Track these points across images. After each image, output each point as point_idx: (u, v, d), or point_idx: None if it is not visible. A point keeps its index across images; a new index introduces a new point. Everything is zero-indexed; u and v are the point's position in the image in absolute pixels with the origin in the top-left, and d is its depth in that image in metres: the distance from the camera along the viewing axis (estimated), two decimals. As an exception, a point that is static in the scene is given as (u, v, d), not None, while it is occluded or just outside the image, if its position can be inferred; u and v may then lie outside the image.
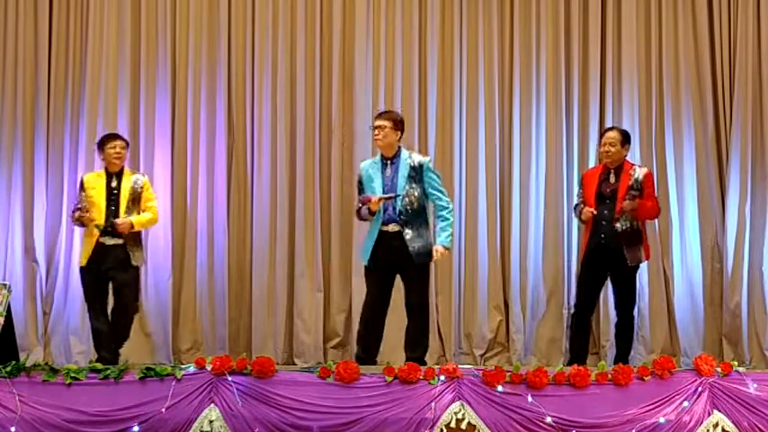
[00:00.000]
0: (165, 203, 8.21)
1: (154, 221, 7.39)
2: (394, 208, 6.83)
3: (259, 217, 8.57)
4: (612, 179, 7.26)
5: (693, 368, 6.38)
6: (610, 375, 6.26)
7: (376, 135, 6.93)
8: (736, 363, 6.56)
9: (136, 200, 7.20)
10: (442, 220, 6.91)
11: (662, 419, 6.12)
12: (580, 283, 7.47)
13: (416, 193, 6.87)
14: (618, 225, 7.12)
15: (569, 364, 6.95)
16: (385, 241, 6.84)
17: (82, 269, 7.19)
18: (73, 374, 6.19)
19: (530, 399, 6.12)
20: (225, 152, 8.62)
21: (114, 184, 7.19)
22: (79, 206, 7.16)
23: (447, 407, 6.08)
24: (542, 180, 8.62)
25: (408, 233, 6.81)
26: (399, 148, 6.99)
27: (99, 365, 6.37)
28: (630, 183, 7.18)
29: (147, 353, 8.31)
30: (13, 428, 6.00)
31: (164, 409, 6.00)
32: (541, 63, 8.69)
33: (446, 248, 6.90)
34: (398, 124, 6.95)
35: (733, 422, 6.15)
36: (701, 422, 6.15)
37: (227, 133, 8.64)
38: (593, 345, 8.06)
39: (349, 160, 8.58)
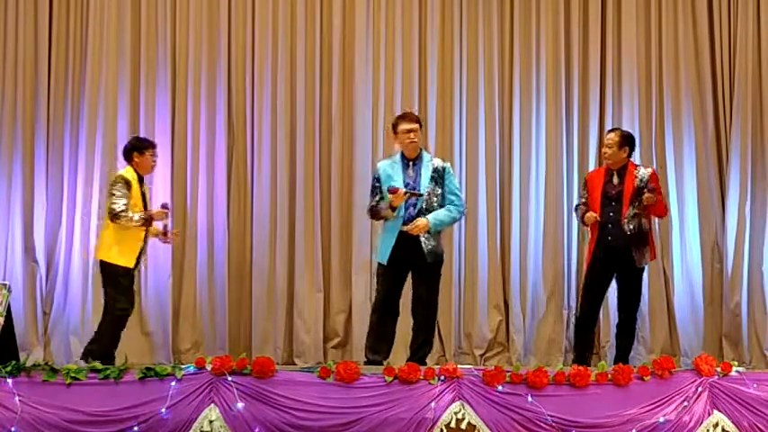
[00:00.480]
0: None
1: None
2: (414, 205, 6.86)
3: (259, 217, 8.57)
4: (616, 180, 7.26)
5: (693, 368, 6.37)
6: (610, 375, 6.25)
7: (412, 138, 6.93)
8: (736, 363, 6.56)
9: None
10: (449, 211, 6.94)
11: (662, 419, 6.11)
12: (587, 286, 7.44)
13: (437, 195, 6.92)
14: (626, 227, 7.14)
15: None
16: (403, 241, 6.86)
17: (129, 270, 7.02)
18: (73, 374, 6.17)
19: (530, 399, 6.11)
20: (225, 152, 8.62)
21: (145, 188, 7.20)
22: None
23: (447, 407, 6.07)
24: (542, 180, 8.63)
25: (425, 233, 6.84)
26: (421, 149, 7.06)
27: (99, 365, 6.36)
28: (636, 183, 7.19)
29: (147, 353, 8.31)
30: (13, 428, 5.99)
31: (164, 409, 6.00)
32: (541, 63, 8.70)
33: (428, 227, 6.84)
34: (421, 125, 7.07)
35: (733, 422, 6.14)
36: (701, 422, 6.14)
37: (227, 133, 8.64)
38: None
39: (349, 160, 8.59)
